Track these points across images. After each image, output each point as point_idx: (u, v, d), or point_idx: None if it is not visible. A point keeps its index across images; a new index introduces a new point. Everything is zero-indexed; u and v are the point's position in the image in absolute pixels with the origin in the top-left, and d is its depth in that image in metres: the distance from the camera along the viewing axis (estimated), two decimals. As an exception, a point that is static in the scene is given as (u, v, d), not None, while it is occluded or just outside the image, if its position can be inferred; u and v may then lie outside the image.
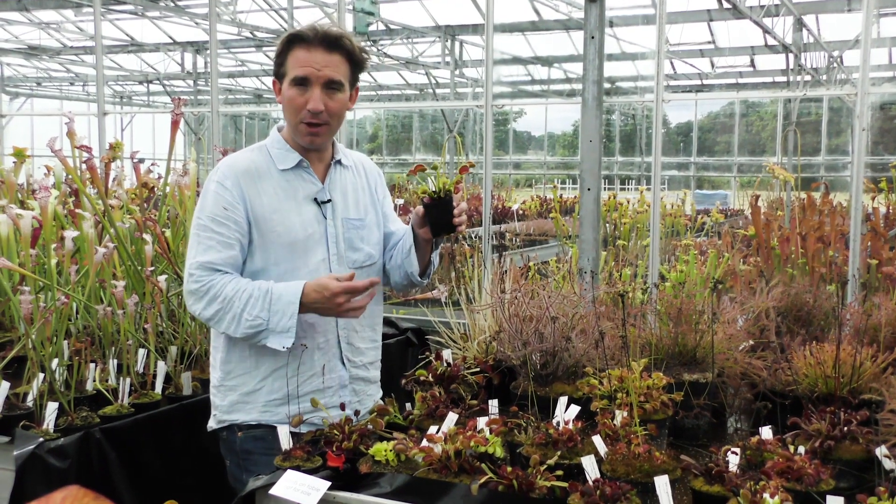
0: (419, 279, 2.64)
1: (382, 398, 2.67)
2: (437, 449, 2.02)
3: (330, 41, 2.40)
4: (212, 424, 2.56)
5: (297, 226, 2.45)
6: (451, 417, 2.19)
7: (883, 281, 3.91)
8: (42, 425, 2.64)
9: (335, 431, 2.20)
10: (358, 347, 2.58)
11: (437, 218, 2.45)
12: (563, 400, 2.29)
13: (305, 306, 2.32)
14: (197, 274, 2.36)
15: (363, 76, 2.63)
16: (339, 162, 2.59)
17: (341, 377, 2.53)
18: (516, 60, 16.65)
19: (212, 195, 2.41)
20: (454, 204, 2.42)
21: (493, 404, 2.36)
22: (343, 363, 2.54)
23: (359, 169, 2.68)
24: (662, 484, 1.85)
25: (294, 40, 2.41)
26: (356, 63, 2.48)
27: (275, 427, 2.41)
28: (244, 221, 2.40)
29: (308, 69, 2.38)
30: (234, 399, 2.48)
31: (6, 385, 2.74)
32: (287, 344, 2.32)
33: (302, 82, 2.39)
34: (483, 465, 1.98)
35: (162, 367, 3.10)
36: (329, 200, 2.52)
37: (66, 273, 3.16)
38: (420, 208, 2.49)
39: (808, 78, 12.72)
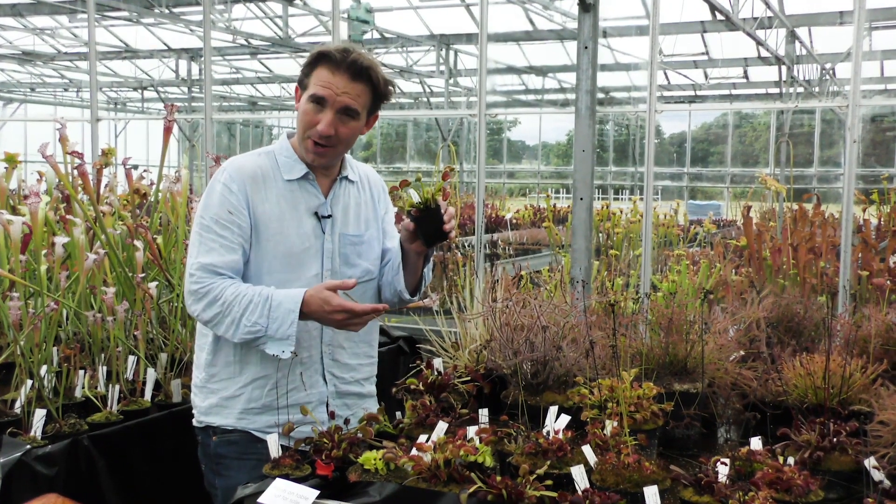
0: (409, 297, 2.61)
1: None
2: (427, 458, 2.01)
3: (356, 70, 2.36)
4: (194, 422, 2.56)
5: (294, 238, 2.44)
6: (441, 426, 2.19)
7: (873, 292, 3.92)
8: (30, 432, 2.63)
9: (324, 440, 2.20)
10: (346, 363, 2.56)
11: (427, 228, 2.43)
12: (553, 409, 2.29)
13: (305, 315, 2.31)
14: (198, 275, 2.35)
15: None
16: (345, 178, 2.58)
17: (321, 393, 2.51)
18: (510, 70, 16.71)
19: (217, 196, 2.40)
20: (442, 211, 2.40)
21: (484, 413, 2.36)
22: (324, 379, 2.52)
23: (364, 183, 2.65)
24: (652, 494, 1.85)
25: (322, 58, 2.38)
26: (379, 96, 2.45)
27: (249, 432, 2.43)
28: (247, 226, 2.40)
29: (327, 91, 2.35)
30: (213, 402, 2.48)
31: (-6, 391, 2.73)
32: (286, 353, 2.31)
33: (319, 101, 2.37)
34: (472, 475, 1.97)
35: (152, 375, 3.08)
36: (329, 216, 2.51)
37: (57, 279, 3.14)
38: (408, 222, 2.45)
39: (800, 90, 12.81)
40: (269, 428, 2.41)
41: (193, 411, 2.55)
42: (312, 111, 2.39)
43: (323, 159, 2.45)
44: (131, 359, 3.13)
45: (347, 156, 2.61)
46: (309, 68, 2.41)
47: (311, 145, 2.42)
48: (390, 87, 2.48)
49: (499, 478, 1.92)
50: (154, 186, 3.80)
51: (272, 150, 2.53)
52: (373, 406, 2.66)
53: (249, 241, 2.41)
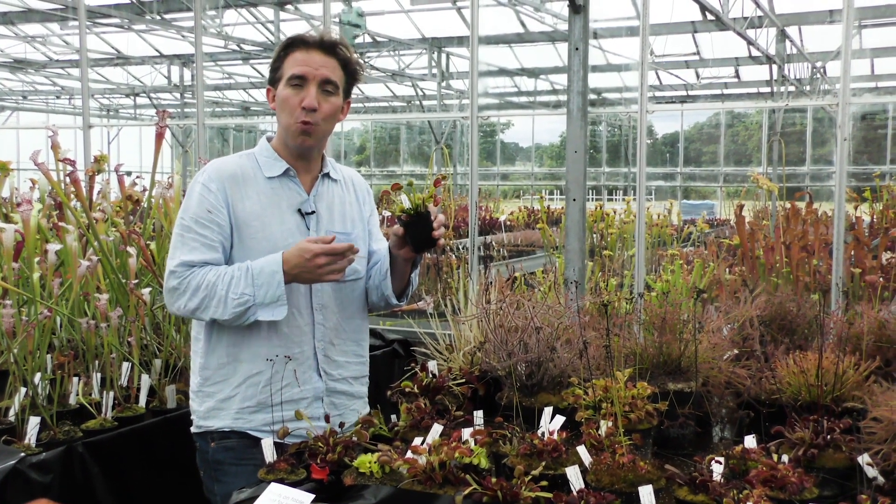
0: (395, 301, 2.62)
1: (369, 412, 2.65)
2: (422, 460, 2.01)
3: (327, 46, 2.44)
4: (192, 429, 2.56)
5: (277, 235, 2.44)
6: (436, 429, 2.19)
7: (866, 289, 3.94)
8: (24, 440, 2.62)
9: (319, 443, 2.19)
10: (336, 360, 2.56)
11: (417, 235, 2.43)
12: (548, 410, 2.29)
13: (287, 273, 2.32)
14: (179, 271, 2.37)
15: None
16: (327, 175, 2.59)
17: (316, 388, 2.51)
18: (503, 72, 16.74)
19: (196, 197, 2.42)
20: (432, 218, 2.41)
21: (479, 415, 2.36)
22: (319, 374, 2.52)
23: (347, 184, 2.67)
24: (647, 494, 1.85)
25: (293, 44, 2.44)
26: (350, 74, 2.50)
27: (247, 436, 2.43)
28: (227, 225, 2.41)
29: (305, 68, 2.40)
30: (210, 405, 2.48)
31: (-12, 400, 2.72)
32: (281, 314, 2.33)
33: (299, 81, 2.40)
34: (468, 477, 1.97)
35: (146, 381, 3.08)
36: (313, 212, 2.52)
37: (50, 286, 3.14)
38: (398, 228, 2.46)
39: (791, 89, 12.86)
40: (265, 426, 2.42)
41: (192, 417, 2.55)
42: (293, 93, 2.41)
43: (311, 139, 2.46)
44: (125, 365, 3.12)
45: (329, 157, 2.62)
46: (279, 61, 2.46)
47: (299, 128, 2.43)
48: (358, 66, 2.53)
49: (494, 479, 1.91)
50: (147, 192, 3.80)
51: (252, 152, 2.56)
52: (363, 408, 2.66)
53: (230, 240, 2.42)
